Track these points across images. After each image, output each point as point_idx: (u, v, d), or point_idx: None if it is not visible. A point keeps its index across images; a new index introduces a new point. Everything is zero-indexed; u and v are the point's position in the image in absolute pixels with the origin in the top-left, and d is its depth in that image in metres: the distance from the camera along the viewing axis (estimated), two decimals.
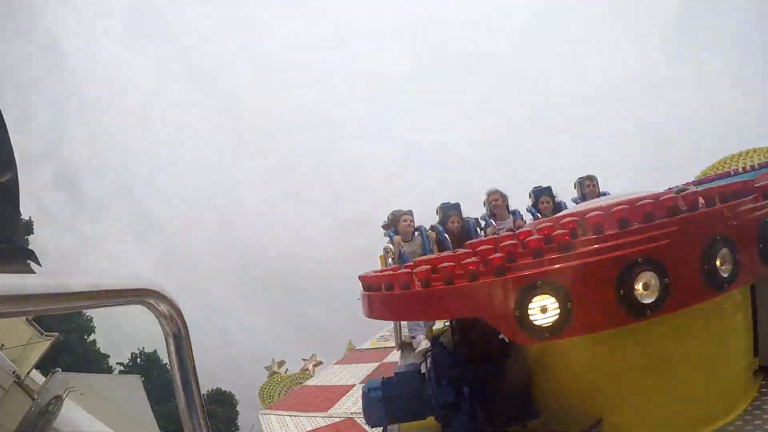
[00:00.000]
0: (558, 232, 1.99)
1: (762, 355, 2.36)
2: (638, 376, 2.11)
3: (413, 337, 5.05)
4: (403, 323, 5.35)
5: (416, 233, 5.64)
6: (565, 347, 2.26)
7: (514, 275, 1.89)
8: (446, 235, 5.56)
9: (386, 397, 2.71)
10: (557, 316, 1.81)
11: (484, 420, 2.46)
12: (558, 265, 1.86)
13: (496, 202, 5.82)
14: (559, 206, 6.02)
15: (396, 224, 5.61)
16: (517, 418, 2.57)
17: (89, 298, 1.00)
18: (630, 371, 2.12)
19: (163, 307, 1.26)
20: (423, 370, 2.82)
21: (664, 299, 1.81)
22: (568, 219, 2.11)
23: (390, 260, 5.50)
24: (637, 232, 1.92)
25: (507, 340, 2.64)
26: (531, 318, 1.83)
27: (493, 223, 5.74)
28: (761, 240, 2.07)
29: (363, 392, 2.78)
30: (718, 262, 1.91)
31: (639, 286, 1.81)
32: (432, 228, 5.75)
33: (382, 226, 5.81)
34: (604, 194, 6.28)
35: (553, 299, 1.82)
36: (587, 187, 6.14)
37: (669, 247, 1.85)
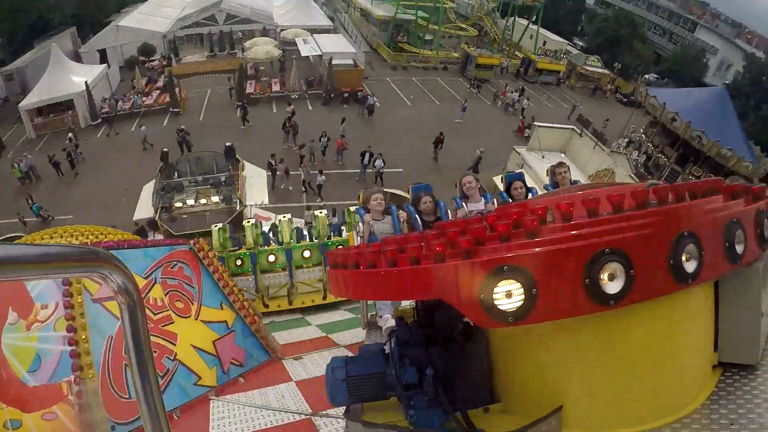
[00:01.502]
0: (527, 217, 1.98)
1: (721, 350, 2.41)
2: (600, 366, 2.13)
3: (380, 317, 5.06)
4: (370, 302, 5.36)
5: (387, 213, 5.65)
6: (528, 333, 2.27)
7: (480, 258, 1.87)
8: (417, 216, 5.57)
9: (350, 377, 2.70)
10: (522, 302, 1.81)
11: (445, 401, 2.47)
12: (525, 251, 1.85)
13: (470, 184, 5.86)
14: (530, 192, 6.08)
15: (367, 203, 5.61)
16: (478, 401, 2.59)
17: (40, 268, 0.99)
18: (592, 360, 2.14)
19: (116, 278, 1.22)
20: (387, 350, 2.81)
21: (628, 290, 1.82)
22: (538, 205, 2.10)
23: (359, 239, 5.50)
24: (605, 222, 1.92)
25: (471, 324, 2.64)
26: (496, 302, 1.82)
27: (464, 205, 5.78)
28: (727, 239, 2.09)
29: (326, 371, 2.77)
30: (683, 257, 1.92)
31: (604, 276, 1.81)
32: (403, 208, 5.76)
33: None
34: (576, 183, 6.36)
35: (518, 284, 1.81)
36: (559, 174, 6.21)
37: (636, 238, 1.86)
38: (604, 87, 40.86)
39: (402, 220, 5.56)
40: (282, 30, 39.11)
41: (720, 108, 22.79)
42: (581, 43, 51.00)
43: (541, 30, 42.95)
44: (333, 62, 31.23)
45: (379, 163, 22.45)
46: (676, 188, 2.13)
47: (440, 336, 2.70)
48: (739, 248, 2.13)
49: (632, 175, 17.21)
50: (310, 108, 31.39)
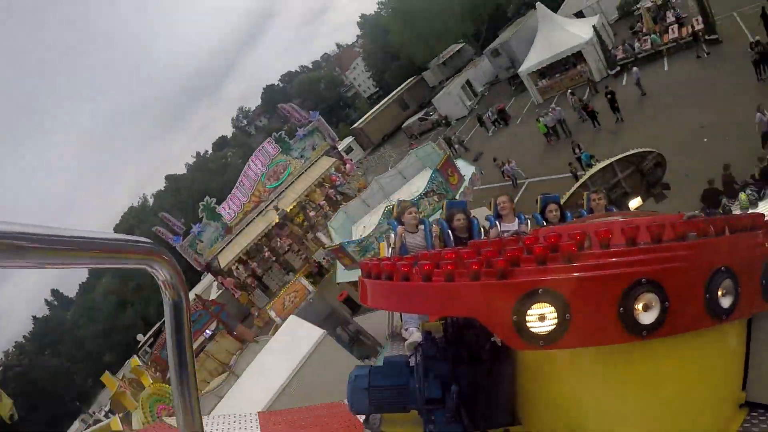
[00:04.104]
0: (564, 241, 1.98)
1: (749, 390, 2.36)
2: (627, 397, 2.10)
3: (406, 329, 5.07)
4: (396, 314, 5.39)
5: (420, 226, 5.68)
6: (557, 358, 2.26)
7: (516, 280, 1.88)
8: (449, 232, 5.59)
9: (372, 386, 2.72)
10: (554, 326, 1.81)
11: (467, 419, 2.47)
12: (561, 275, 1.85)
13: (504, 204, 5.87)
14: (564, 216, 6.04)
15: (401, 215, 5.66)
16: (499, 422, 2.58)
17: (92, 256, 0.96)
18: (619, 390, 2.12)
19: (165, 273, 1.24)
20: (412, 363, 2.83)
21: (662, 322, 1.80)
22: (576, 230, 2.10)
23: (390, 250, 5.55)
24: (643, 251, 1.91)
25: (499, 344, 2.64)
26: (528, 325, 1.83)
27: (497, 224, 5.77)
28: (765, 277, 2.05)
29: (349, 379, 2.79)
30: (720, 292, 1.90)
31: (639, 306, 1.80)
32: (437, 223, 5.79)
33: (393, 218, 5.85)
34: (610, 209, 6.30)
35: (552, 308, 1.81)
36: (593, 201, 6.17)
37: (673, 270, 1.84)
38: None
39: (434, 234, 5.58)
40: None
41: None
42: None
43: None
44: None
45: None
46: (715, 221, 2.11)
47: (467, 353, 2.71)
48: None
49: None
50: None
